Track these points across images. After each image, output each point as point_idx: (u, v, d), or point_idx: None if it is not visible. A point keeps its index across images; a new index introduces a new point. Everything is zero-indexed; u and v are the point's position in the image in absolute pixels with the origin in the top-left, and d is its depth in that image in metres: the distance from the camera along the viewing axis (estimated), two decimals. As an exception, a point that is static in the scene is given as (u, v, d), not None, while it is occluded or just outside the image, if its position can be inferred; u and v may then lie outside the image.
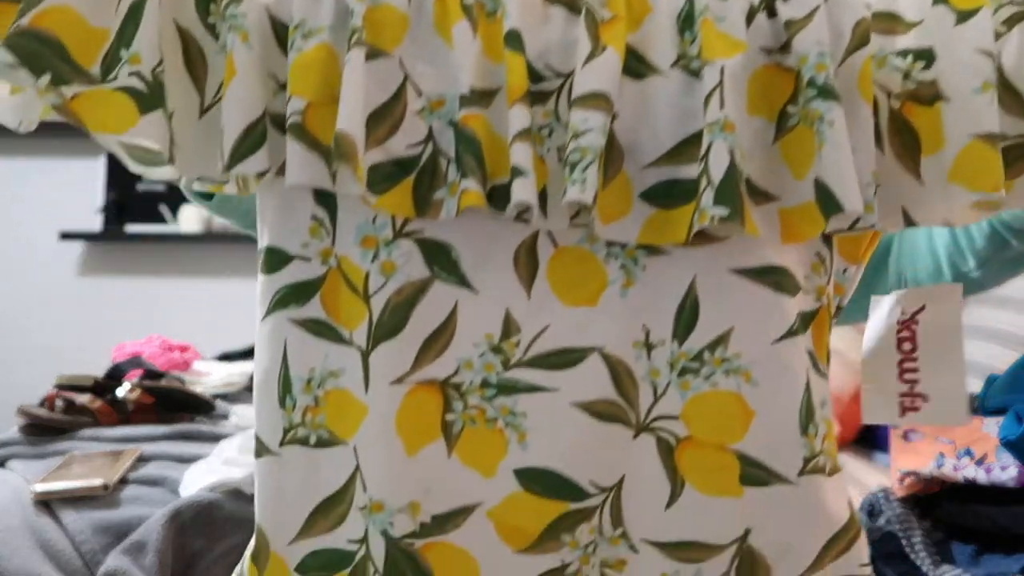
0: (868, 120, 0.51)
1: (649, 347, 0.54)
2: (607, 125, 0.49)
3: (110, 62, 0.48)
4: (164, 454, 1.52)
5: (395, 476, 0.53)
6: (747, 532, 0.54)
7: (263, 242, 0.55)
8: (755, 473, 0.53)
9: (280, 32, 0.51)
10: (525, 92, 0.50)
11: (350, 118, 0.48)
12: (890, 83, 0.52)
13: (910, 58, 0.52)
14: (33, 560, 1.23)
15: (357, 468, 0.54)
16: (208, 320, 3.37)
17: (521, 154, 0.49)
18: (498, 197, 0.50)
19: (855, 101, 0.51)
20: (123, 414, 1.71)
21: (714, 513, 0.54)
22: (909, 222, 0.53)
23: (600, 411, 0.54)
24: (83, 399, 1.70)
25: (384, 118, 0.50)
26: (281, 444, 0.54)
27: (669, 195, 0.52)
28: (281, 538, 0.55)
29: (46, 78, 0.46)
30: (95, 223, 3.41)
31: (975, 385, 1.09)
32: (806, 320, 0.54)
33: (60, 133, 3.42)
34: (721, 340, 0.53)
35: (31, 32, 0.46)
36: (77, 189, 3.43)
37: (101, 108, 0.48)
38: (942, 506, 0.95)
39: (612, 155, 0.51)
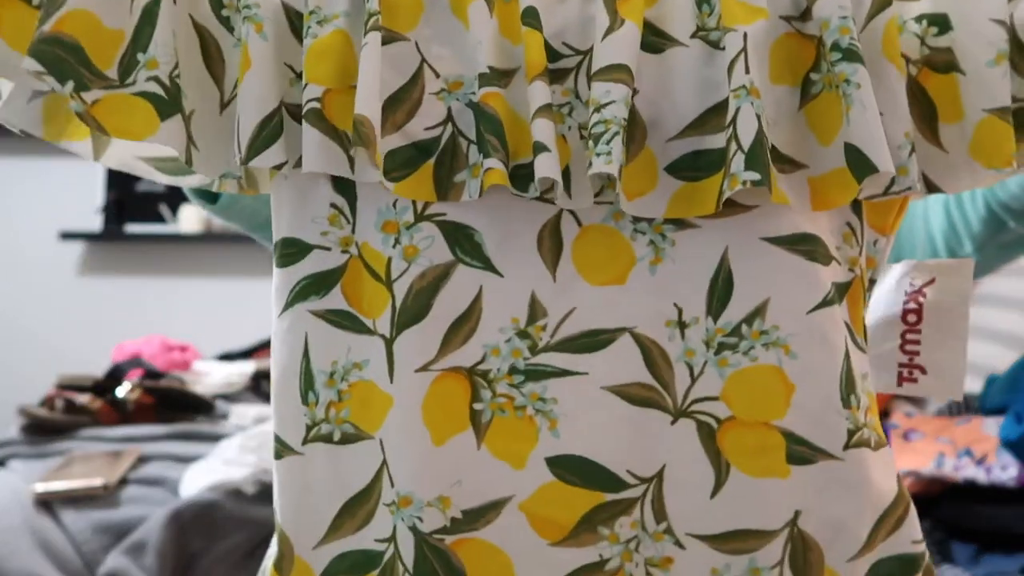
0: (898, 81, 0.51)
1: (682, 326, 0.52)
2: (629, 97, 0.48)
3: (127, 65, 0.48)
4: (164, 454, 1.52)
5: (423, 468, 0.51)
6: (797, 515, 0.52)
7: (279, 234, 0.53)
8: (801, 451, 0.52)
9: (295, 20, 0.51)
10: (544, 68, 0.49)
11: (367, 102, 0.47)
12: (908, 49, 0.52)
13: (924, 23, 0.51)
14: (33, 560, 1.23)
15: (384, 462, 0.52)
16: (208, 320, 3.37)
17: (543, 130, 0.48)
18: (520, 177, 0.49)
19: (881, 64, 0.50)
20: (123, 414, 1.71)
21: (762, 497, 0.52)
22: (933, 189, 0.53)
23: (634, 395, 0.52)
24: (83, 399, 1.70)
25: (402, 102, 0.50)
26: (304, 442, 0.53)
27: (695, 166, 0.50)
28: (306, 541, 0.53)
29: (70, 85, 0.46)
30: (95, 223, 3.41)
31: (975, 385, 1.09)
32: (841, 291, 0.53)
33: (60, 133, 3.43)
34: (758, 312, 0.52)
35: (54, 38, 0.46)
36: (77, 189, 3.43)
37: (122, 113, 0.48)
38: (942, 506, 0.95)
39: (635, 130, 0.50)
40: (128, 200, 3.44)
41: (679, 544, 0.52)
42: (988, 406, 1.00)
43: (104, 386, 1.82)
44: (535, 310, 0.52)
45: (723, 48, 0.50)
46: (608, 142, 0.48)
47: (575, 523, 0.52)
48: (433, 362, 0.52)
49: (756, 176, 0.47)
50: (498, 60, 0.50)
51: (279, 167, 0.51)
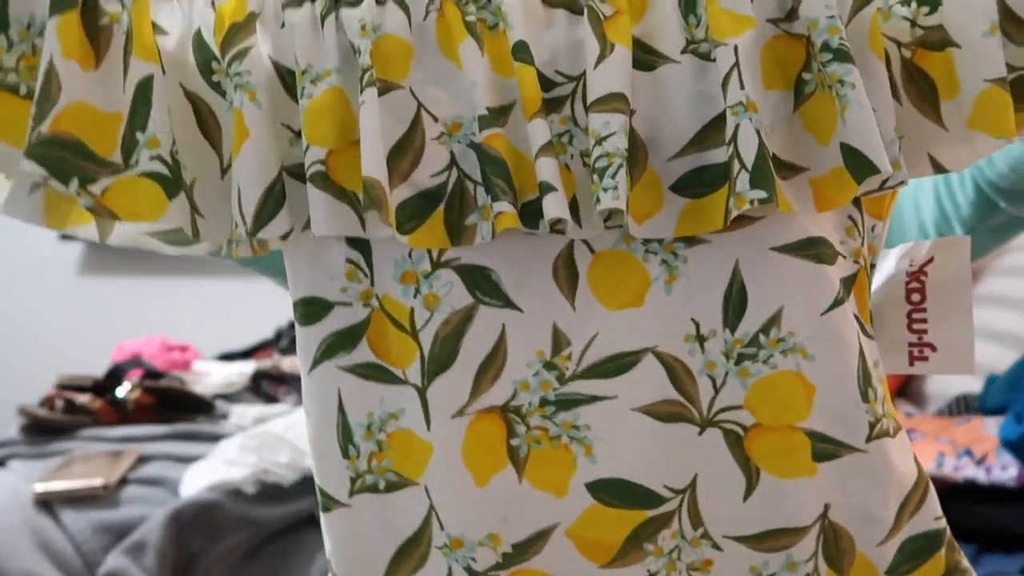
0: (883, 76, 0.51)
1: (701, 340, 0.53)
2: (627, 124, 0.49)
3: (128, 145, 0.48)
4: (164, 454, 1.52)
5: (470, 509, 0.53)
6: (827, 508, 0.54)
7: (298, 294, 0.54)
8: (825, 448, 0.53)
9: (287, 78, 0.50)
10: (540, 105, 0.49)
11: (375, 164, 0.48)
12: (898, 33, 0.52)
13: (914, 4, 0.51)
14: (33, 560, 1.23)
15: (431, 507, 0.53)
16: (208, 320, 3.37)
17: (547, 169, 0.49)
18: (530, 215, 0.50)
19: (868, 59, 0.51)
20: (123, 414, 1.72)
21: (793, 496, 0.54)
22: (939, 168, 0.54)
23: (662, 412, 0.53)
24: (83, 399, 1.70)
25: (405, 151, 0.50)
26: (351, 495, 0.54)
27: (699, 182, 0.51)
28: None
29: (75, 183, 0.46)
30: (95, 223, 3.42)
31: (975, 385, 1.09)
32: (847, 284, 0.54)
33: (60, 133, 3.43)
34: (773, 321, 0.53)
35: (52, 139, 0.46)
36: (77, 189, 3.43)
37: (131, 197, 0.48)
38: (942, 506, 0.95)
39: (635, 152, 0.51)
40: (128, 200, 3.44)
41: (717, 547, 0.54)
42: (988, 406, 1.00)
43: (104, 386, 1.82)
44: (558, 340, 0.53)
45: (714, 60, 0.50)
46: (613, 176, 0.48)
47: (621, 543, 0.53)
48: (467, 406, 0.53)
49: (763, 195, 0.48)
50: (494, 98, 0.50)
51: (286, 235, 0.50)
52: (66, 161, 0.46)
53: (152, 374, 1.91)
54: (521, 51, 0.49)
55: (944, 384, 1.42)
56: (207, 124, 0.51)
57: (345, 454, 0.53)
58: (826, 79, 0.50)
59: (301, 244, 0.53)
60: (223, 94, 0.51)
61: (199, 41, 0.50)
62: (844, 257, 0.54)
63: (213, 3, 0.50)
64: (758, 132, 0.49)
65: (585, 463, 0.53)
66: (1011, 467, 0.87)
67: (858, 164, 0.49)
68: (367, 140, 0.48)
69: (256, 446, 1.45)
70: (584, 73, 0.50)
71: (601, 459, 0.53)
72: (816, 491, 0.54)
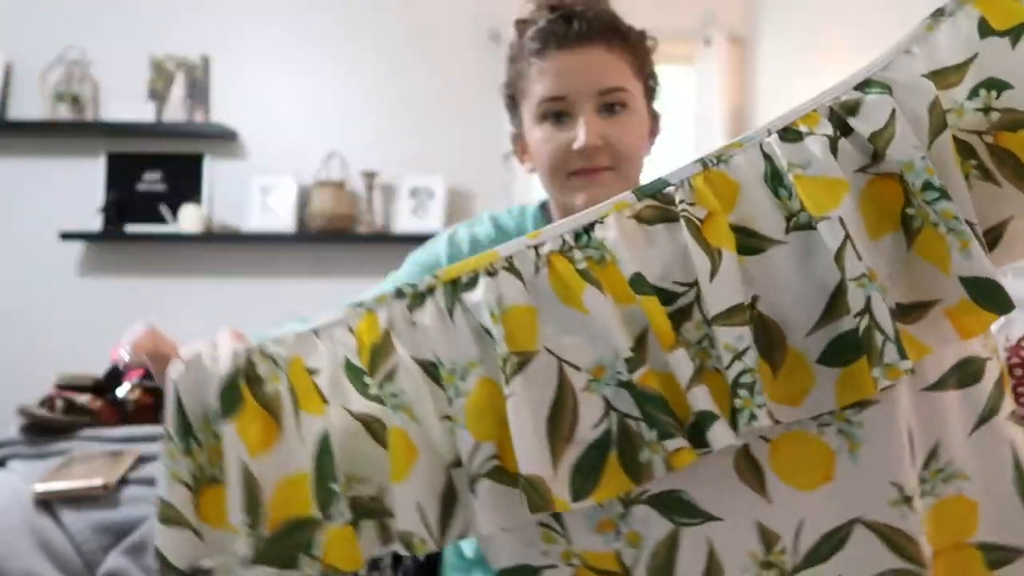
0: (966, 193, 0.52)
1: (908, 501, 0.54)
2: (752, 334, 0.50)
3: (323, 499, 0.50)
4: (164, 454, 1.52)
5: None
6: None
7: (500, 564, 0.55)
8: (997, 556, 0.57)
9: (431, 370, 0.52)
10: (675, 339, 0.50)
11: (533, 460, 0.49)
12: (975, 124, 0.53)
13: (982, 92, 0.52)
14: (33, 560, 1.23)
15: None
16: (208, 320, 3.36)
17: (702, 399, 0.50)
18: (694, 436, 0.51)
19: (955, 179, 0.51)
20: (123, 414, 1.71)
21: None
22: None
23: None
24: (83, 399, 1.70)
25: (561, 414, 0.52)
26: None
27: (843, 351, 0.52)
28: None
29: (303, 560, 0.48)
30: (95, 223, 3.41)
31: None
32: (999, 386, 0.56)
33: (60, 133, 3.42)
34: (933, 455, 0.56)
35: (273, 538, 0.48)
36: (77, 189, 3.43)
37: (342, 547, 0.50)
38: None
39: (772, 336, 0.52)
40: (128, 200, 3.44)
41: None
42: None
43: (104, 386, 1.82)
44: (767, 537, 0.55)
45: (815, 228, 0.50)
46: (762, 392, 0.50)
47: None
48: None
49: (910, 364, 0.49)
50: (628, 333, 0.51)
51: (464, 534, 0.52)
52: (288, 548, 0.48)
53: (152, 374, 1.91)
54: (639, 284, 0.50)
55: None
56: (379, 436, 0.52)
57: None
58: (929, 215, 0.51)
59: None
60: (382, 402, 0.52)
61: (349, 366, 0.52)
62: (989, 359, 0.57)
63: (350, 328, 0.52)
64: (885, 301, 0.50)
65: None
66: (1011, 467, 0.87)
67: (991, 295, 0.50)
68: (520, 434, 0.49)
69: (256, 446, 1.45)
70: (697, 280, 0.51)
71: None
72: None
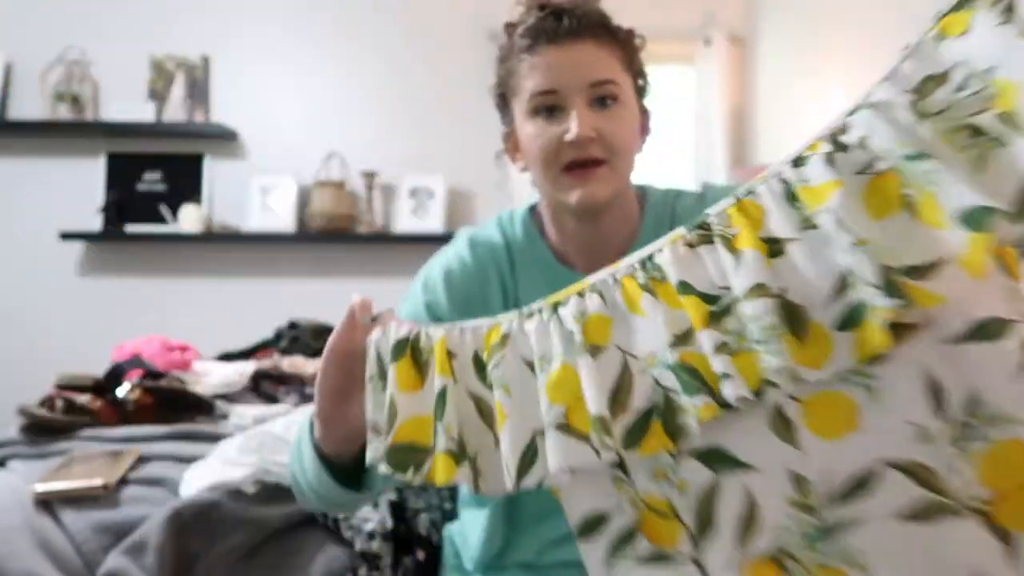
0: (959, 160, 0.62)
1: (930, 439, 0.62)
2: (773, 306, 0.63)
3: (436, 436, 0.71)
4: (164, 454, 1.52)
5: None
6: None
7: (578, 513, 0.70)
8: None
9: (529, 362, 0.71)
10: (707, 321, 0.65)
11: (597, 404, 0.67)
12: (968, 107, 0.61)
13: (973, 82, 0.60)
14: (33, 560, 1.23)
15: None
16: (208, 320, 3.37)
17: (720, 364, 0.64)
18: (725, 401, 0.64)
19: (943, 153, 0.61)
20: (123, 414, 1.72)
21: None
22: None
23: (920, 513, 0.61)
24: (83, 399, 1.70)
25: (622, 391, 0.68)
26: None
27: (855, 315, 0.62)
28: None
29: (411, 471, 0.72)
30: (95, 223, 3.42)
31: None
32: None
33: (60, 133, 3.42)
34: (975, 402, 0.61)
35: (396, 447, 0.72)
36: (77, 189, 3.43)
37: (440, 469, 0.70)
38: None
39: (799, 316, 0.63)
40: (128, 200, 3.44)
41: None
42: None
43: (104, 386, 1.82)
44: (800, 483, 0.64)
45: (822, 227, 0.62)
46: (776, 342, 0.62)
47: None
48: (739, 559, 0.65)
49: (901, 301, 0.59)
50: (677, 328, 0.67)
51: (540, 483, 0.69)
52: (403, 460, 0.72)
53: (152, 374, 1.91)
54: (684, 288, 0.67)
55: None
56: (484, 413, 0.72)
57: None
58: (924, 186, 0.61)
59: (575, 478, 0.69)
60: (491, 388, 0.72)
61: (476, 359, 0.73)
62: (1019, 321, 0.61)
63: (484, 331, 0.73)
64: (872, 258, 0.60)
65: None
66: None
67: (983, 220, 0.58)
68: (589, 389, 0.67)
69: (256, 446, 1.45)
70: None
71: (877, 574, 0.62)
72: None
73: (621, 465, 0.69)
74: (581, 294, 0.70)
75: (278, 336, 2.73)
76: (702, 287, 0.66)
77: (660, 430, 0.67)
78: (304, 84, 3.50)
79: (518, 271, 1.07)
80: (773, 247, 0.64)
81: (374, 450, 0.72)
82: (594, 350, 0.68)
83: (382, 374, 0.74)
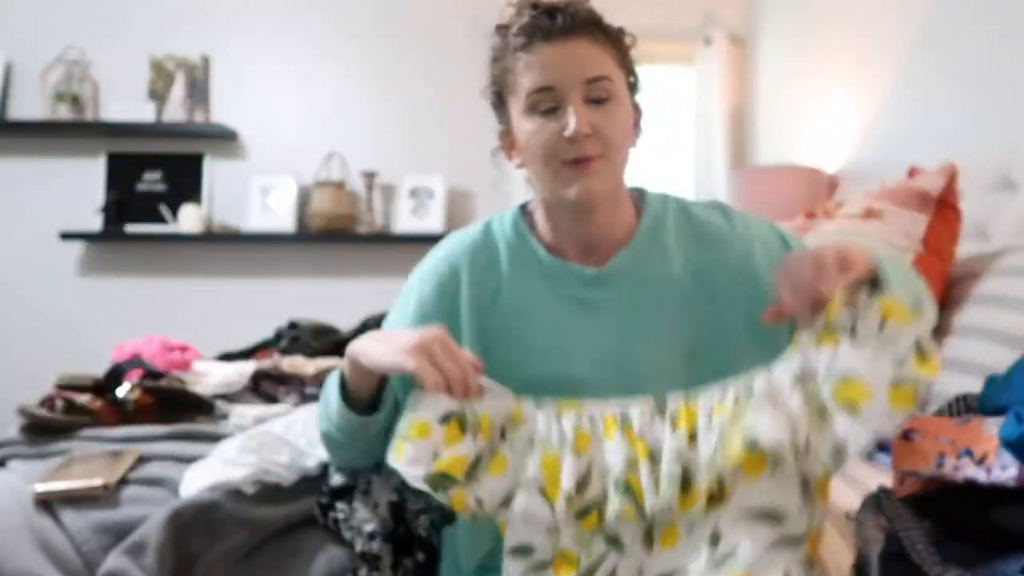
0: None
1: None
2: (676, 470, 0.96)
3: (468, 471, 0.95)
4: (164, 454, 1.52)
5: None
6: None
7: (517, 540, 0.98)
8: None
9: (532, 437, 1.00)
10: (648, 454, 0.96)
11: (568, 484, 0.96)
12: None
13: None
14: (33, 560, 1.23)
15: None
16: (208, 320, 3.37)
17: (648, 486, 0.96)
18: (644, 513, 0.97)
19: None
20: (123, 414, 1.71)
21: None
22: None
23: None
24: (83, 399, 1.70)
25: (583, 484, 0.96)
26: None
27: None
28: None
29: (442, 494, 0.94)
30: (95, 223, 3.41)
31: (975, 385, 1.09)
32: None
33: (60, 133, 3.42)
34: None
35: (438, 474, 0.94)
36: (77, 189, 3.43)
37: (460, 502, 0.94)
38: (942, 506, 0.95)
39: (688, 478, 0.95)
40: (128, 200, 3.44)
41: None
42: (988, 406, 1.00)
43: (104, 386, 1.82)
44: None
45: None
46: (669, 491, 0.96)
47: None
48: None
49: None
50: (630, 457, 0.97)
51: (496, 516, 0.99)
52: (438, 483, 0.93)
53: (152, 374, 1.91)
54: (641, 433, 0.98)
55: (944, 384, 1.42)
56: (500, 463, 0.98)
57: None
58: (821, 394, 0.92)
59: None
60: (503, 440, 1.00)
61: (505, 424, 1.00)
62: None
63: (509, 410, 1.02)
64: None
65: None
66: (1011, 467, 0.87)
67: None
68: (565, 475, 0.97)
69: (256, 446, 1.44)
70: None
71: None
72: None
73: (559, 525, 0.96)
74: (580, 414, 1.00)
75: (278, 336, 2.73)
76: (652, 442, 0.97)
77: (596, 516, 0.96)
78: (304, 84, 3.49)
79: (504, 265, 1.11)
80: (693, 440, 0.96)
81: (418, 470, 0.93)
82: (576, 453, 0.97)
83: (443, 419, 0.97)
